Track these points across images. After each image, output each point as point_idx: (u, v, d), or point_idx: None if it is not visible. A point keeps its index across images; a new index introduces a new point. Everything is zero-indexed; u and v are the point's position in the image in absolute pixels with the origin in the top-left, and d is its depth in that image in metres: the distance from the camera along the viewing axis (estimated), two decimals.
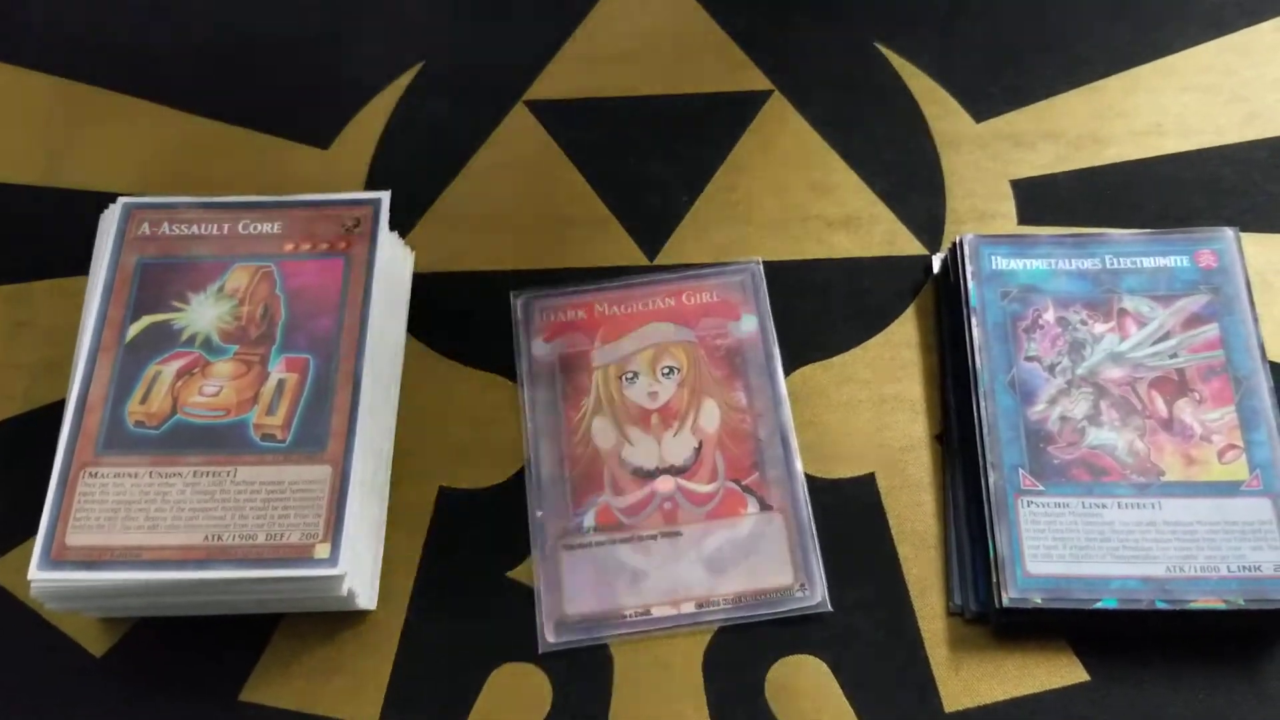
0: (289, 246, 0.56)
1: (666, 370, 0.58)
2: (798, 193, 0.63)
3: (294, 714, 0.51)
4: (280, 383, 0.53)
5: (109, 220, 0.57)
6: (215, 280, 0.56)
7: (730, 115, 0.66)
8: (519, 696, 0.51)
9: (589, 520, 0.54)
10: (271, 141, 0.65)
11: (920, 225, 0.62)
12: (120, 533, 0.49)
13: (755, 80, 0.67)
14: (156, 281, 0.55)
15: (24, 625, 0.53)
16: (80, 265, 0.58)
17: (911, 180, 0.63)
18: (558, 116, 0.66)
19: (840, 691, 0.51)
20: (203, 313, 0.55)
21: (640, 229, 0.63)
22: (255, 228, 0.57)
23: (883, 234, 0.62)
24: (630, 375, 0.58)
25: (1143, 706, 0.45)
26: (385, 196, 0.58)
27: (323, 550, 0.49)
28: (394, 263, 0.59)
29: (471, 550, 0.55)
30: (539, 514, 0.55)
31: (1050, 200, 0.62)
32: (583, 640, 0.52)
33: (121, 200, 0.58)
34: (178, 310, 0.55)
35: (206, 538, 0.49)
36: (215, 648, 0.53)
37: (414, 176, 0.64)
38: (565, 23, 0.69)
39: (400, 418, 0.57)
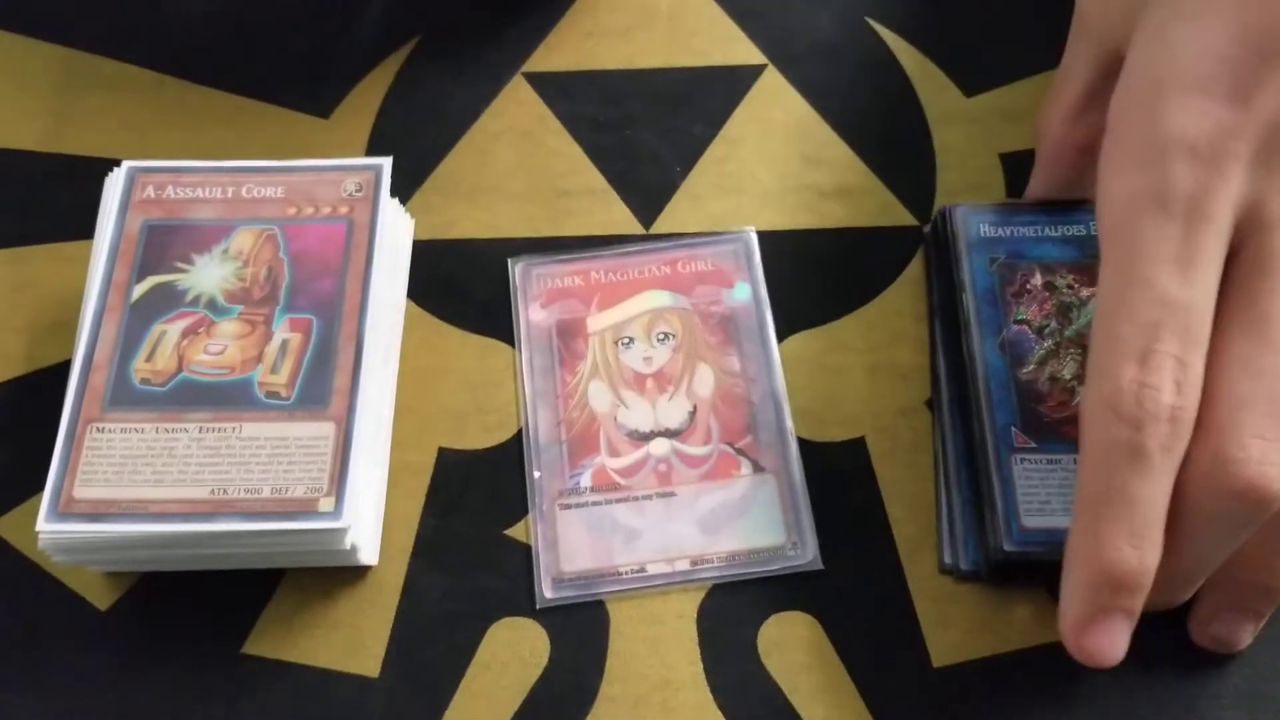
0: (292, 210, 0.57)
1: (661, 336, 0.59)
2: (791, 164, 0.64)
3: (296, 666, 0.52)
4: (284, 342, 0.54)
5: (114, 183, 0.58)
6: (219, 242, 0.56)
7: (724, 88, 0.67)
8: (517, 649, 0.52)
9: (585, 480, 0.55)
10: (272, 110, 0.66)
11: (911, 196, 0.63)
12: (127, 486, 0.50)
13: (749, 54, 0.68)
14: (161, 243, 0.56)
15: (30, 579, 0.54)
16: (81, 230, 0.59)
17: (903, 153, 0.64)
18: (555, 88, 0.67)
19: (831, 646, 0.52)
20: (207, 274, 0.55)
21: (636, 199, 0.63)
22: (259, 191, 0.58)
23: (874, 205, 0.63)
24: (626, 340, 0.59)
25: (1129, 661, 0.46)
26: (387, 162, 0.58)
27: (327, 504, 0.50)
28: (395, 228, 0.60)
29: (470, 509, 0.55)
30: (536, 474, 0.56)
31: None
32: (579, 596, 0.53)
33: (126, 164, 0.58)
34: (182, 271, 0.56)
35: (212, 491, 0.50)
36: (219, 602, 0.53)
37: (413, 147, 0.65)
38: None
39: (400, 381, 0.58)
